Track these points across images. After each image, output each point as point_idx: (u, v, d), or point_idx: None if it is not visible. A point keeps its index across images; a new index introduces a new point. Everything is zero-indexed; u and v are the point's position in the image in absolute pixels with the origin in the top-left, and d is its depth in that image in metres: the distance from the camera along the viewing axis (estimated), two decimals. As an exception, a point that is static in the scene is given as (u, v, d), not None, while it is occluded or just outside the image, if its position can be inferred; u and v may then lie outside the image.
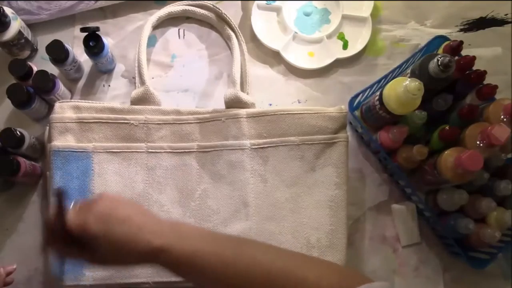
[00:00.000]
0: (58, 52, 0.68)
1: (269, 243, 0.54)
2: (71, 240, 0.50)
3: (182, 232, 0.52)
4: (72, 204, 0.56)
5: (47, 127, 0.69)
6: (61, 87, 0.71)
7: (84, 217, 0.49)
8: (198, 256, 0.49)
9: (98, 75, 0.77)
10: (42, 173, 0.71)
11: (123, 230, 0.49)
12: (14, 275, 0.63)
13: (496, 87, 0.66)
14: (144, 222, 0.51)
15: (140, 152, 0.67)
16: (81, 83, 0.76)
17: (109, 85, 0.76)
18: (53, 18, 0.76)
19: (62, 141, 0.66)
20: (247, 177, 0.67)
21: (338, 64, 0.78)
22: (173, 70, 0.77)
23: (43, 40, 0.75)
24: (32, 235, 0.69)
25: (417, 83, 0.61)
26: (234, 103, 0.70)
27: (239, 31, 0.76)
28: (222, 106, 0.71)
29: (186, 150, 0.68)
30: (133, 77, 0.75)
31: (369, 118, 0.72)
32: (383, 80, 0.73)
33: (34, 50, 0.76)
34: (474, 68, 0.68)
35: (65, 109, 0.67)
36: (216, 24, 0.78)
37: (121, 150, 0.67)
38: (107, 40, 0.72)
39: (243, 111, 0.69)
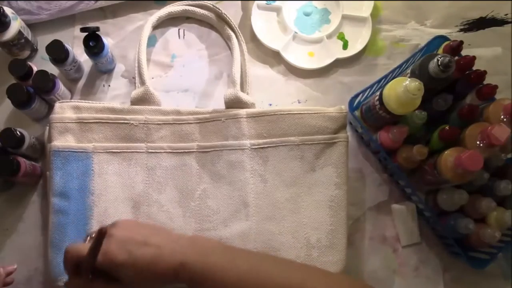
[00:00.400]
0: (58, 52, 0.68)
1: (285, 258, 0.55)
2: (95, 275, 0.50)
3: (200, 247, 0.52)
4: (87, 236, 0.57)
5: (47, 127, 0.69)
6: (61, 87, 0.71)
7: (106, 248, 0.50)
8: (218, 271, 0.49)
9: (98, 75, 0.77)
10: (42, 173, 0.71)
11: (145, 252, 0.50)
12: (14, 275, 0.63)
13: (496, 87, 0.66)
14: (163, 241, 0.51)
15: (140, 152, 0.67)
16: (81, 83, 0.76)
17: (109, 85, 0.76)
18: (53, 18, 0.76)
19: (62, 141, 0.66)
20: (247, 177, 0.67)
21: (338, 64, 0.78)
22: (173, 70, 0.77)
23: (43, 40, 0.75)
24: (32, 235, 0.69)
25: (417, 83, 0.61)
26: (234, 103, 0.70)
27: (239, 31, 0.76)
28: (222, 106, 0.71)
29: (186, 150, 0.68)
30: (133, 77, 0.75)
31: (369, 118, 0.72)
32: (383, 80, 0.73)
33: (34, 50, 0.76)
34: (474, 68, 0.68)
35: (65, 109, 0.67)
36: (216, 24, 0.78)
37: (121, 150, 0.67)
38: (107, 40, 0.72)
39: (243, 111, 0.69)
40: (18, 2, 0.74)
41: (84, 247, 0.51)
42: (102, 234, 0.50)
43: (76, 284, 0.52)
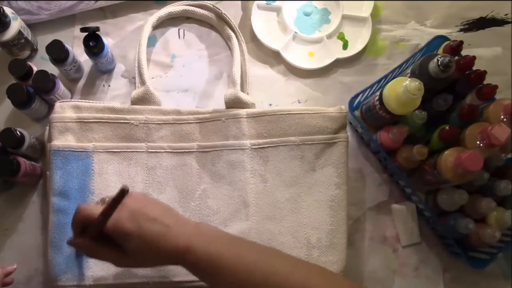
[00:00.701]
0: (58, 52, 0.68)
1: (288, 254, 0.55)
2: (101, 239, 0.51)
3: (207, 234, 0.52)
4: (100, 200, 0.57)
5: (47, 127, 0.69)
6: (61, 87, 0.71)
7: (117, 215, 0.50)
8: (223, 258, 0.50)
9: (98, 75, 0.77)
10: (42, 173, 0.71)
11: (154, 228, 0.50)
12: (14, 275, 0.63)
13: (496, 87, 0.66)
14: (172, 222, 0.52)
15: (140, 152, 0.67)
16: (81, 83, 0.76)
17: (109, 85, 0.76)
18: (53, 18, 0.76)
19: (62, 141, 0.66)
20: (247, 177, 0.67)
21: (338, 64, 0.78)
22: (173, 70, 0.77)
23: (43, 40, 0.75)
24: (32, 235, 0.69)
25: (417, 83, 0.61)
26: (234, 103, 0.70)
27: (239, 31, 0.76)
28: (222, 106, 0.71)
29: (186, 150, 0.68)
30: (133, 77, 0.75)
31: (369, 118, 0.72)
32: (383, 80, 0.73)
33: (34, 50, 0.76)
34: (474, 68, 0.68)
35: (65, 109, 0.67)
36: (216, 24, 0.78)
37: (121, 150, 0.67)
38: (107, 40, 0.72)
39: (243, 111, 0.69)
40: (18, 2, 0.74)
41: (96, 209, 0.51)
42: (121, 195, 0.50)
43: (80, 243, 0.52)
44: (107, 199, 0.54)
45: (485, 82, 0.68)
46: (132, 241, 0.50)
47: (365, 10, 0.80)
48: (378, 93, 0.68)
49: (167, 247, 0.50)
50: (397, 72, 0.74)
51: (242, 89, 0.73)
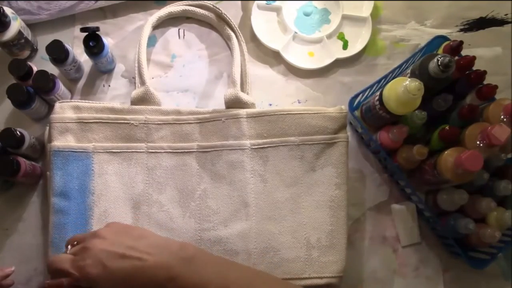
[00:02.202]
0: (58, 52, 0.68)
1: (278, 279, 0.54)
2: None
3: (193, 260, 0.50)
4: (67, 247, 0.56)
5: (47, 127, 0.69)
6: (61, 87, 0.71)
7: (81, 263, 0.49)
8: (211, 286, 0.48)
9: (98, 75, 0.77)
10: (42, 173, 0.71)
11: (123, 265, 0.49)
12: (13, 276, 0.63)
13: (496, 87, 0.66)
14: (148, 251, 0.50)
15: (140, 152, 0.67)
16: (81, 83, 0.76)
17: (109, 85, 0.76)
18: (53, 18, 0.76)
19: (62, 141, 0.66)
20: (247, 177, 0.67)
21: (338, 64, 0.78)
22: (173, 70, 0.77)
23: (43, 40, 0.75)
24: (32, 235, 0.69)
25: (417, 83, 0.61)
26: (234, 103, 0.70)
27: (239, 31, 0.76)
28: (222, 106, 0.71)
29: (186, 150, 0.68)
30: (133, 77, 0.75)
31: (369, 118, 0.72)
32: (383, 80, 0.73)
33: (34, 50, 0.76)
34: (474, 68, 0.68)
35: (65, 109, 0.67)
36: (216, 24, 0.78)
37: (121, 150, 0.67)
38: (107, 40, 0.72)
39: (243, 111, 0.69)
40: (18, 2, 0.74)
41: (65, 258, 0.52)
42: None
43: None
44: (71, 243, 0.54)
45: (485, 82, 0.68)
46: (103, 285, 0.48)
47: (365, 10, 0.80)
48: (378, 93, 0.68)
49: (144, 280, 0.48)
50: (397, 72, 0.74)
51: (242, 89, 0.73)
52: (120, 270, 0.49)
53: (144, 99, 0.69)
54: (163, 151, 0.68)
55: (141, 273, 0.48)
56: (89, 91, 0.76)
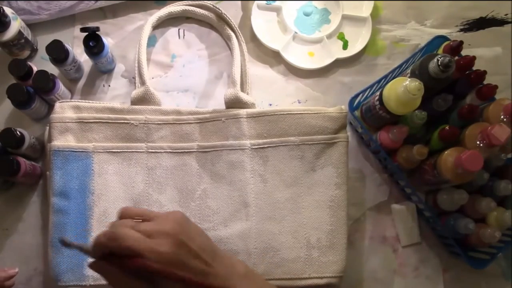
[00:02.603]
0: (58, 52, 0.68)
1: None
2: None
3: (255, 281, 0.51)
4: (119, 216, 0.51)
5: (47, 127, 0.69)
6: (61, 87, 0.71)
7: (161, 248, 0.45)
8: None
9: (98, 75, 0.77)
10: (42, 173, 0.71)
11: (195, 265, 0.47)
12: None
13: (496, 87, 0.66)
14: (216, 260, 0.49)
15: (140, 152, 0.67)
16: (81, 83, 0.76)
17: (109, 85, 0.76)
18: (53, 18, 0.76)
19: (62, 141, 0.66)
20: (247, 177, 0.67)
21: (338, 64, 0.78)
22: (173, 70, 0.77)
23: (43, 40, 0.75)
24: (32, 235, 0.69)
25: (417, 83, 0.61)
26: (234, 103, 0.70)
27: (239, 31, 0.76)
28: (222, 106, 0.71)
29: (186, 150, 0.68)
30: (133, 77, 0.75)
31: (369, 118, 0.72)
32: (383, 80, 0.73)
33: (34, 50, 0.76)
34: (474, 68, 0.68)
35: (65, 109, 0.67)
36: (216, 24, 0.78)
37: (121, 150, 0.67)
38: (107, 40, 0.72)
39: (243, 111, 0.69)
40: (18, 2, 0.74)
41: (140, 238, 0.45)
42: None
43: (107, 269, 0.46)
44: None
45: (485, 82, 0.68)
46: (174, 285, 0.45)
47: (365, 10, 0.80)
48: (378, 93, 0.68)
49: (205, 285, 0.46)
50: (397, 72, 0.74)
51: (242, 89, 0.73)
52: (194, 270, 0.46)
53: (144, 99, 0.69)
54: (163, 151, 0.68)
55: (209, 278, 0.47)
56: (89, 91, 0.76)
